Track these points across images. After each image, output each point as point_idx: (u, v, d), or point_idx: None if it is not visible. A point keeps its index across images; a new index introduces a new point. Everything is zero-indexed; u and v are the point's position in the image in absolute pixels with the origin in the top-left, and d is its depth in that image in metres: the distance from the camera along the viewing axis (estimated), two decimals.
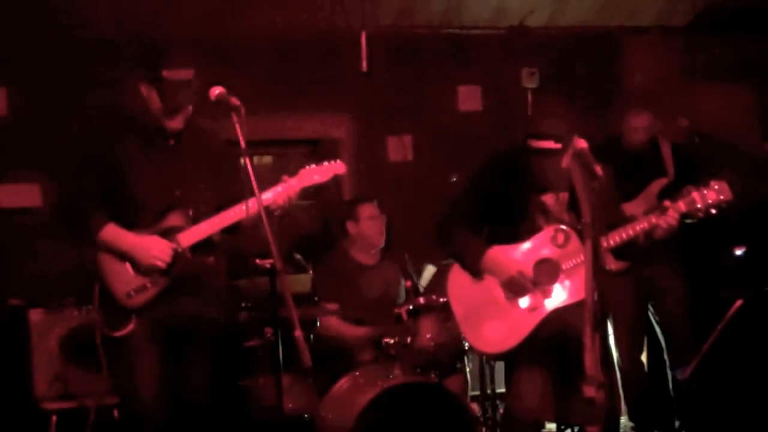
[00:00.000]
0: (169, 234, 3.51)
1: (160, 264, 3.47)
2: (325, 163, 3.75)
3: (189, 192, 3.57)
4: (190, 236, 3.54)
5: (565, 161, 3.48)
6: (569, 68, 6.57)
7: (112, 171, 3.49)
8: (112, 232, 3.45)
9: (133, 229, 3.48)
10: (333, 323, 4.91)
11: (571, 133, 3.47)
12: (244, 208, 3.52)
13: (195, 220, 3.56)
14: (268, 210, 3.51)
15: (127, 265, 3.47)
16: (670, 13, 6.52)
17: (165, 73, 3.47)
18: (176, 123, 3.56)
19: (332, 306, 4.88)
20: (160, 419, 3.49)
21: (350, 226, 5.09)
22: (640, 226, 3.67)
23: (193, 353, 3.63)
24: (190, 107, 3.57)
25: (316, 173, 3.71)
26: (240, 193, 3.53)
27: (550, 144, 3.56)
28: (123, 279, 3.46)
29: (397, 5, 6.10)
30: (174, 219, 3.54)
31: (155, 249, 3.46)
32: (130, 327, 3.45)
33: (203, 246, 3.58)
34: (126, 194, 3.50)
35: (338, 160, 3.78)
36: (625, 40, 6.64)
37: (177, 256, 3.49)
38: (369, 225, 5.04)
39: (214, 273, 3.67)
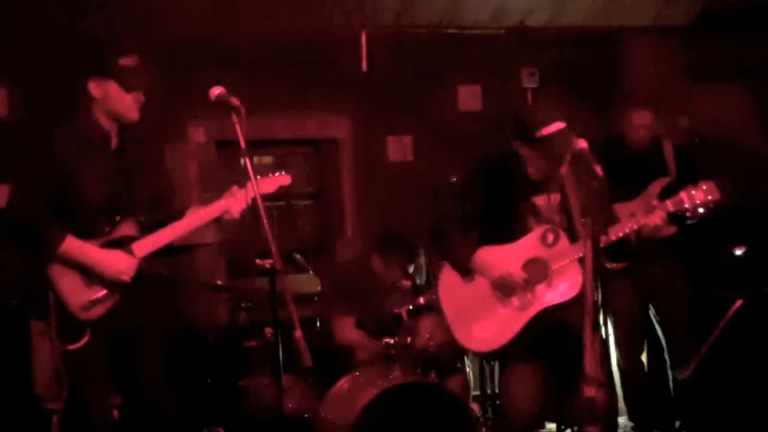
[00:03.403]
0: (122, 244, 3.48)
1: (126, 279, 3.44)
2: (271, 175, 3.79)
3: (136, 200, 3.55)
4: (145, 246, 3.51)
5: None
6: (569, 68, 6.56)
7: (62, 179, 3.40)
8: (74, 245, 3.37)
9: (84, 238, 3.41)
10: (354, 335, 4.92)
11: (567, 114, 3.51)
12: (198, 216, 3.57)
13: (144, 229, 3.54)
14: (220, 219, 3.60)
15: (80, 277, 3.41)
16: (670, 13, 6.52)
17: (122, 62, 3.45)
18: (134, 113, 3.51)
19: (350, 318, 4.91)
20: (108, 428, 3.48)
21: (374, 259, 5.06)
22: (629, 226, 3.69)
23: (142, 360, 3.59)
24: (143, 97, 3.52)
25: (262, 185, 3.70)
26: (174, 202, 3.59)
27: (558, 125, 3.57)
28: (77, 292, 3.40)
29: (397, 5, 6.10)
30: (126, 228, 3.51)
31: (122, 264, 3.43)
32: (85, 340, 3.40)
33: (158, 254, 3.57)
34: (77, 203, 3.42)
35: (284, 172, 3.82)
36: (625, 40, 6.64)
37: (139, 269, 3.48)
38: (387, 276, 5.02)
39: (165, 281, 3.67)
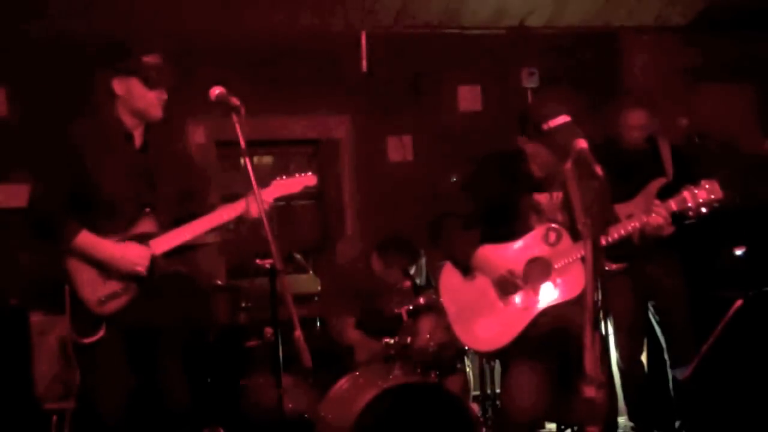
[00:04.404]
0: (141, 240, 3.49)
1: (141, 270, 3.45)
2: (297, 175, 3.77)
3: (158, 198, 3.55)
4: (163, 243, 3.52)
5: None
6: (569, 68, 6.57)
7: (82, 176, 3.43)
8: (88, 239, 3.40)
9: (103, 235, 3.44)
10: (354, 335, 4.93)
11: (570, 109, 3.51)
12: (218, 215, 3.56)
13: (165, 227, 3.55)
14: (241, 219, 3.57)
15: (97, 271, 3.43)
16: (670, 12, 6.53)
17: (145, 59, 3.47)
18: (157, 111, 3.52)
19: (350, 318, 4.91)
20: (122, 426, 3.46)
21: (374, 260, 5.08)
22: (631, 225, 3.69)
23: (163, 357, 3.60)
24: (166, 95, 3.54)
25: (286, 185, 3.71)
26: (205, 200, 3.60)
27: (564, 119, 3.57)
28: (93, 286, 3.43)
29: (397, 5, 6.10)
30: (145, 225, 3.52)
31: (135, 255, 3.44)
32: (100, 334, 3.41)
33: (175, 253, 3.57)
34: (95, 200, 3.45)
35: (309, 173, 3.80)
36: (625, 40, 6.64)
37: (153, 262, 3.49)
38: (388, 278, 5.03)
39: (184, 279, 3.67)
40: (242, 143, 3.27)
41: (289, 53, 6.15)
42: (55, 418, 4.76)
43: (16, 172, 5.61)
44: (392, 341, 4.53)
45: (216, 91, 3.35)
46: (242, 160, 3.34)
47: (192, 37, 5.72)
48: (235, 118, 3.31)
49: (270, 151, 6.58)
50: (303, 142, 6.62)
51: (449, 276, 3.88)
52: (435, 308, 4.52)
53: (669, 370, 5.06)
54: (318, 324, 5.26)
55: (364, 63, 6.09)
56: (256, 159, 6.30)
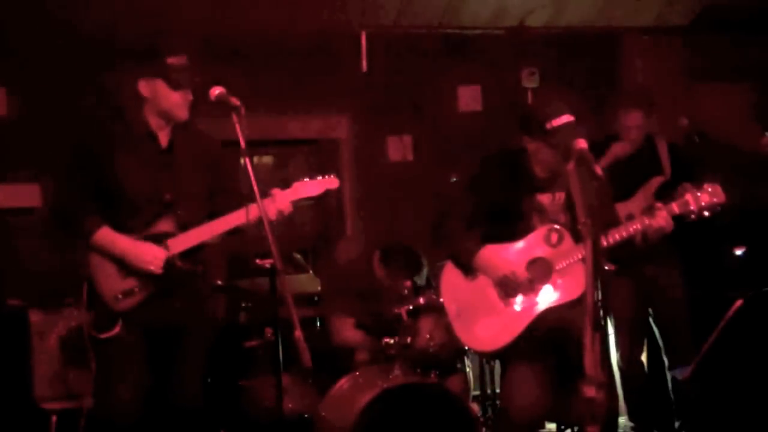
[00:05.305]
0: (159, 239, 3.51)
1: (154, 269, 3.47)
2: (319, 178, 3.76)
3: (179, 197, 3.56)
4: (180, 243, 3.54)
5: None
6: (569, 68, 6.57)
7: (105, 174, 3.48)
8: (107, 236, 3.46)
9: (125, 233, 3.48)
10: (354, 335, 4.93)
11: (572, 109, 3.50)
12: (236, 216, 3.55)
13: (184, 226, 3.56)
14: (260, 222, 3.56)
15: (116, 268, 3.47)
16: (670, 13, 6.52)
17: (169, 60, 3.49)
18: (182, 111, 3.55)
19: (350, 318, 4.91)
20: (132, 424, 3.47)
21: (376, 267, 5.08)
22: (633, 227, 3.69)
23: (179, 357, 3.62)
24: (191, 95, 3.56)
25: (308, 187, 3.71)
26: (233, 199, 3.58)
27: (567, 118, 3.57)
28: (111, 282, 3.47)
29: (397, 5, 6.10)
30: (164, 224, 3.54)
31: (149, 254, 3.47)
32: (116, 330, 3.45)
33: (192, 253, 3.58)
34: (117, 198, 3.49)
35: (332, 175, 3.78)
36: (625, 40, 6.64)
37: (169, 262, 3.50)
38: (390, 285, 5.03)
39: (201, 279, 3.67)
40: (242, 143, 3.27)
41: (289, 53, 6.15)
42: (54, 418, 4.76)
43: (23, 172, 5.63)
44: (392, 341, 4.53)
45: (216, 91, 3.36)
46: (242, 160, 3.33)
47: (192, 37, 5.71)
48: (235, 118, 3.31)
49: (270, 151, 6.57)
50: (303, 142, 6.61)
51: (450, 276, 3.88)
52: (435, 308, 4.52)
53: (668, 371, 5.06)
54: (318, 324, 5.26)
55: (364, 63, 6.09)
56: (256, 159, 6.29)
